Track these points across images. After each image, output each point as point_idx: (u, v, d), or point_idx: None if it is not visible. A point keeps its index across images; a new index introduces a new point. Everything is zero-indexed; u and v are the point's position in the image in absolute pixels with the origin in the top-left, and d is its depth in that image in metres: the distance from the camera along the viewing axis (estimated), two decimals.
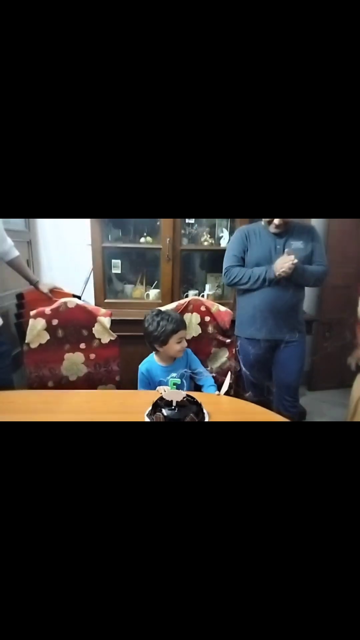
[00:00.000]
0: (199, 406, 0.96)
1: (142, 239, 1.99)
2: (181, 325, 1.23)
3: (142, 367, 1.29)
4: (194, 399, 0.99)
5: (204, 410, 0.96)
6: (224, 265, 1.48)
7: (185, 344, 1.25)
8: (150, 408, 0.97)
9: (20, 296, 1.80)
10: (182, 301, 1.43)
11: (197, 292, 2.05)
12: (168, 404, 0.94)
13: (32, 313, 1.33)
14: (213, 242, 2.00)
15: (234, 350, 1.40)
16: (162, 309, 1.32)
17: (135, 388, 1.29)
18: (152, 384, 1.27)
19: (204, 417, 0.93)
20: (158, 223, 1.96)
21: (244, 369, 1.53)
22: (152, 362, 1.30)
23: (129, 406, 1.06)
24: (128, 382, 1.37)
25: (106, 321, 1.35)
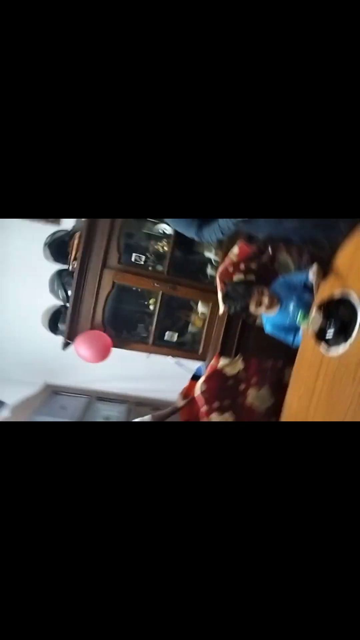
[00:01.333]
0: (339, 301, 0.98)
1: (151, 306, 2.14)
2: (245, 299, 1.25)
3: (267, 329, 1.35)
4: (327, 302, 1.02)
5: (345, 296, 0.97)
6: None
7: (266, 300, 1.25)
8: (322, 345, 1.01)
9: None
10: (218, 287, 1.49)
11: (210, 266, 2.09)
12: (323, 329, 0.98)
13: (204, 421, 1.50)
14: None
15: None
16: (226, 291, 1.34)
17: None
18: (288, 329, 1.31)
19: (350, 301, 0.95)
20: (136, 289, 2.10)
21: None
22: (267, 319, 1.34)
23: (313, 363, 1.11)
24: (286, 354, 1.43)
25: (224, 361, 1.46)
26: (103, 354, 1.99)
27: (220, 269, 1.53)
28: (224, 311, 1.53)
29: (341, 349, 0.96)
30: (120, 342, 2.10)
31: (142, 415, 1.53)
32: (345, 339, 0.95)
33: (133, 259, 2.04)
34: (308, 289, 1.18)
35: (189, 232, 1.40)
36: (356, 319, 0.91)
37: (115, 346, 2.05)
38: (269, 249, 1.44)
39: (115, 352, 2.07)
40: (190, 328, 2.23)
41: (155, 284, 2.00)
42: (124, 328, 2.18)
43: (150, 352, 2.08)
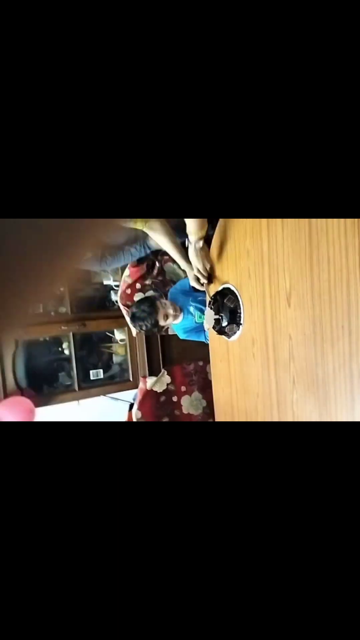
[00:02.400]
0: (221, 293, 1.07)
1: (66, 351, 2.02)
2: (152, 315, 1.28)
3: (181, 335, 1.41)
4: (214, 297, 1.10)
5: (226, 287, 1.06)
6: None
7: (171, 311, 1.30)
8: (223, 336, 1.09)
9: None
10: (123, 311, 1.50)
11: (112, 292, 2.09)
12: (219, 322, 1.06)
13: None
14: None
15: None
16: (132, 312, 1.35)
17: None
18: (197, 330, 1.38)
19: (231, 290, 1.04)
20: (45, 338, 1.96)
21: None
22: (176, 327, 1.41)
23: (223, 354, 1.19)
24: (203, 352, 1.51)
25: (151, 381, 1.46)
26: (29, 419, 1.80)
27: (120, 294, 1.54)
28: (137, 333, 1.53)
29: (238, 334, 1.05)
30: (44, 399, 1.93)
31: None
32: (238, 324, 1.03)
33: (30, 310, 1.90)
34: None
35: (94, 267, 1.39)
36: (239, 304, 1.01)
37: (39, 405, 1.87)
38: (156, 262, 1.51)
39: (44, 409, 1.89)
40: (115, 358, 2.18)
41: (63, 327, 1.90)
42: (43, 383, 2.01)
43: (79, 398, 1.96)
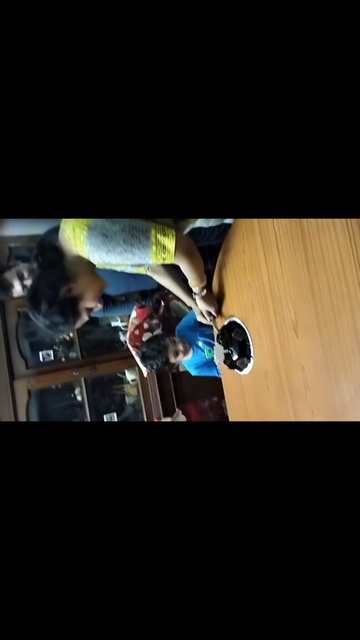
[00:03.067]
0: (228, 327, 1.08)
1: (79, 397, 2.01)
2: (163, 353, 1.29)
3: (193, 372, 1.41)
4: (221, 330, 1.11)
5: (232, 321, 1.07)
6: None
7: (181, 347, 1.32)
8: (235, 370, 1.08)
9: None
10: (133, 352, 1.50)
11: (121, 332, 2.12)
12: (229, 356, 1.06)
13: None
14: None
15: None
16: (142, 352, 1.36)
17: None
18: (209, 365, 1.38)
19: (237, 324, 1.05)
20: (57, 387, 1.96)
21: None
22: (187, 364, 1.42)
23: (237, 389, 1.17)
24: (217, 388, 1.48)
25: (166, 421, 1.42)
26: None
27: (128, 335, 1.56)
28: (147, 373, 1.53)
29: (249, 367, 1.04)
30: None
31: None
32: (248, 357, 1.03)
33: (42, 358, 1.93)
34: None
35: (98, 313, 1.43)
36: (248, 336, 1.01)
37: None
38: (160, 301, 1.54)
39: None
40: (128, 400, 2.15)
41: (74, 373, 1.91)
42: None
43: None
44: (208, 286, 1.07)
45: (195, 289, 1.03)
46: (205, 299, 1.07)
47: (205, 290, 1.05)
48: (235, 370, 1.08)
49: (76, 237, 0.79)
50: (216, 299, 1.12)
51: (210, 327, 1.23)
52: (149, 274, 1.14)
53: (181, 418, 1.44)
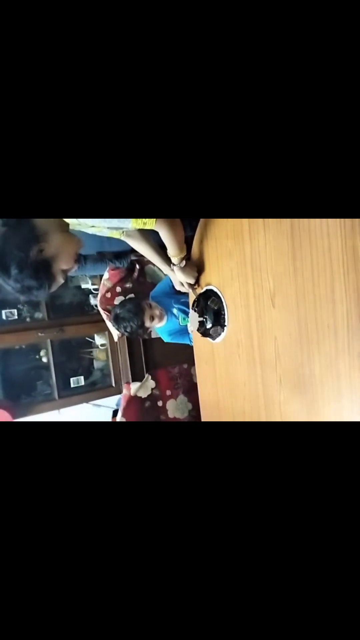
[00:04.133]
0: (204, 295, 1.06)
1: (44, 359, 1.94)
2: (138, 315, 1.25)
3: (165, 338, 1.38)
4: (197, 298, 1.09)
5: (209, 289, 1.05)
6: None
7: (157, 312, 1.28)
8: (208, 339, 1.08)
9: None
10: (103, 315, 1.45)
11: (91, 295, 2.03)
12: (203, 324, 1.05)
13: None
14: None
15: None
16: (115, 313, 1.32)
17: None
18: (182, 332, 1.37)
19: (214, 292, 1.03)
20: (21, 346, 1.88)
21: None
22: (161, 330, 1.39)
23: (208, 357, 1.18)
24: (188, 355, 1.49)
25: (135, 386, 1.42)
26: None
27: (99, 298, 1.49)
28: (119, 336, 1.49)
29: (222, 336, 1.04)
30: (23, 410, 1.84)
31: None
32: (222, 326, 1.03)
33: (5, 317, 1.82)
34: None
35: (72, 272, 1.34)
36: (223, 305, 1.00)
37: (17, 417, 1.79)
38: (136, 265, 1.47)
39: (23, 420, 1.80)
40: (96, 364, 2.12)
41: (39, 334, 1.82)
42: (21, 393, 1.92)
43: (60, 407, 1.89)
44: (187, 256, 1.03)
45: (175, 259, 0.99)
46: (184, 269, 1.03)
47: (184, 261, 1.01)
48: (208, 338, 1.08)
49: None
50: (195, 267, 1.08)
51: (186, 294, 1.21)
52: (123, 238, 1.07)
53: (150, 384, 1.45)
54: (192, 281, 1.06)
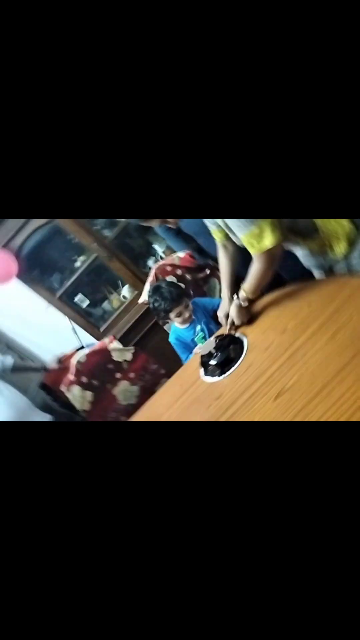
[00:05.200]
0: (233, 338, 1.06)
1: (77, 262, 2.00)
2: (173, 303, 1.26)
3: (171, 338, 1.39)
4: (226, 335, 1.08)
5: (241, 338, 1.05)
6: None
7: (187, 314, 1.28)
8: (202, 369, 1.07)
9: (44, 386, 1.90)
10: (149, 277, 1.48)
11: (153, 258, 2.08)
12: (210, 356, 1.04)
13: (63, 388, 1.42)
14: None
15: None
16: (159, 285, 1.33)
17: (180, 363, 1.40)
18: (187, 346, 1.37)
19: (242, 344, 1.02)
20: (72, 238, 1.95)
21: None
22: (175, 329, 1.39)
23: (187, 381, 1.17)
24: (175, 366, 1.48)
25: (117, 344, 1.43)
26: (2, 277, 1.77)
27: (160, 263, 1.53)
28: (143, 301, 1.51)
29: (214, 379, 1.03)
30: (28, 278, 1.90)
31: (3, 355, 1.38)
32: (221, 373, 1.01)
33: None
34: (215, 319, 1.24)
35: (159, 229, 1.38)
36: (239, 359, 0.99)
37: (20, 278, 1.84)
38: (207, 269, 1.50)
39: (17, 286, 1.86)
40: (105, 305, 2.15)
41: (94, 244, 1.88)
42: (38, 268, 1.98)
43: (53, 304, 1.92)
44: (254, 300, 1.04)
45: (242, 294, 0.98)
46: (241, 309, 1.02)
47: (247, 302, 1.01)
48: (202, 370, 1.07)
49: None
50: (250, 314, 1.08)
51: (219, 325, 1.21)
52: (218, 242, 1.09)
53: (128, 356, 1.45)
54: (238, 322, 1.05)
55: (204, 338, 1.19)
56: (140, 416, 1.28)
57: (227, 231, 0.97)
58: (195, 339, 1.30)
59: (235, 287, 1.09)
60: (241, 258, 1.09)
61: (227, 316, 1.09)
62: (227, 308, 1.10)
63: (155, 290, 1.30)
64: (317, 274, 1.04)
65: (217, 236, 1.09)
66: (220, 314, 1.15)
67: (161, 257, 2.03)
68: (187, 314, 1.29)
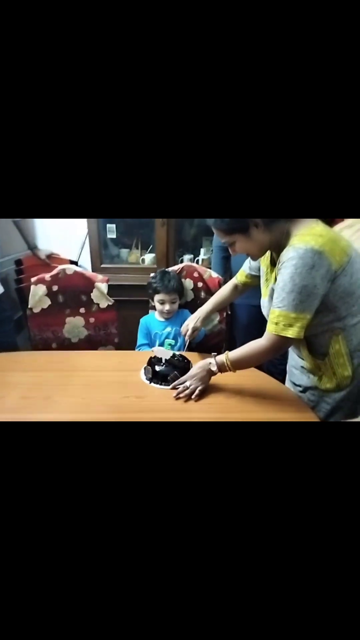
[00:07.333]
0: (187, 364, 1.07)
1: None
2: (163, 289, 1.30)
3: (143, 319, 1.42)
4: (184, 359, 1.10)
5: (184, 369, 1.06)
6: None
7: (168, 307, 1.33)
8: (145, 367, 1.08)
9: (19, 262, 1.85)
10: (175, 267, 1.49)
11: (192, 256, 2.09)
12: (159, 360, 1.05)
13: (33, 280, 1.39)
14: None
15: (224, 314, 1.49)
16: (169, 269, 1.41)
17: (133, 349, 1.40)
18: (149, 335, 1.39)
19: (175, 378, 1.03)
20: None
21: (235, 332, 1.63)
22: (151, 315, 1.42)
23: (127, 364, 1.17)
24: (126, 343, 1.48)
25: (103, 287, 1.42)
26: None
27: (193, 265, 1.53)
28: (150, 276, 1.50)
29: (145, 381, 1.04)
30: None
31: None
32: (158, 381, 1.03)
33: None
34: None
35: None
36: (176, 379, 1.00)
37: None
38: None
39: None
40: (123, 252, 2.13)
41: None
42: None
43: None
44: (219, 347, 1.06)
45: (221, 359, 0.94)
46: (207, 372, 0.97)
47: (218, 371, 0.95)
48: (144, 370, 1.09)
49: None
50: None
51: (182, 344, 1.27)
52: (235, 280, 1.18)
53: (104, 303, 1.44)
54: (193, 385, 0.97)
55: (171, 346, 1.21)
56: (60, 357, 1.27)
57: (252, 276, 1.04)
58: (162, 334, 1.34)
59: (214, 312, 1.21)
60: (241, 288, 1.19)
61: (190, 328, 1.16)
62: (198, 322, 1.17)
63: (164, 272, 1.35)
64: (290, 384, 1.07)
65: (240, 276, 1.13)
66: (190, 322, 1.18)
67: (197, 262, 2.05)
68: (167, 307, 1.32)
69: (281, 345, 0.86)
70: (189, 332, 1.16)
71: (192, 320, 1.18)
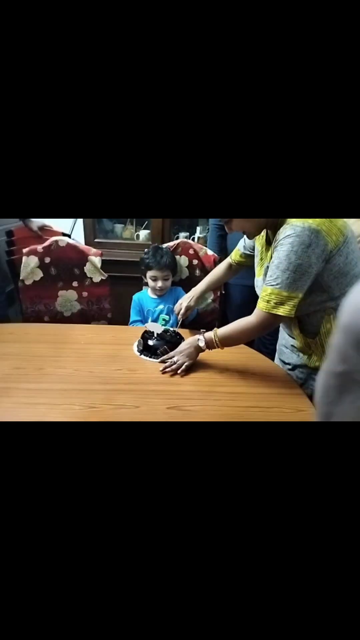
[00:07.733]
0: (179, 339, 1.09)
1: None
2: (155, 265, 1.29)
3: (135, 296, 1.42)
4: (177, 334, 1.11)
5: (177, 342, 1.08)
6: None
7: (160, 284, 1.32)
8: (138, 340, 1.09)
9: (10, 233, 1.80)
10: (171, 243, 1.47)
11: (187, 234, 2.07)
12: (152, 334, 1.06)
13: (24, 251, 1.36)
14: None
15: (218, 293, 1.49)
16: (163, 245, 1.39)
17: (126, 324, 1.40)
18: (141, 312, 1.39)
19: (165, 352, 1.05)
20: None
21: (228, 311, 1.64)
22: (144, 292, 1.41)
23: (120, 338, 1.18)
24: (119, 320, 1.48)
25: (97, 261, 1.40)
26: None
27: (188, 242, 1.51)
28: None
29: (136, 352, 1.06)
30: None
31: None
32: (149, 354, 1.04)
33: None
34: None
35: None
36: (166, 353, 1.02)
37: None
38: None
39: None
40: (117, 227, 2.09)
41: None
42: None
43: None
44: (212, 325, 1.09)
45: (210, 335, 0.94)
46: (195, 348, 0.97)
47: (206, 347, 0.96)
48: (136, 343, 1.09)
49: None
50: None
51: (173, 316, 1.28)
52: (229, 259, 1.18)
53: (97, 277, 1.43)
54: (180, 361, 0.98)
55: (165, 321, 1.23)
56: (53, 329, 1.26)
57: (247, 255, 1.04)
58: (155, 311, 1.34)
59: (210, 289, 1.22)
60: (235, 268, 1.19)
61: (184, 307, 1.16)
62: (192, 302, 1.17)
63: (156, 248, 1.34)
64: (279, 362, 1.09)
65: (235, 255, 1.13)
66: (184, 302, 1.18)
67: (193, 239, 2.03)
68: (159, 284, 1.32)
69: (270, 323, 0.86)
70: (182, 311, 1.16)
71: (185, 300, 1.18)
